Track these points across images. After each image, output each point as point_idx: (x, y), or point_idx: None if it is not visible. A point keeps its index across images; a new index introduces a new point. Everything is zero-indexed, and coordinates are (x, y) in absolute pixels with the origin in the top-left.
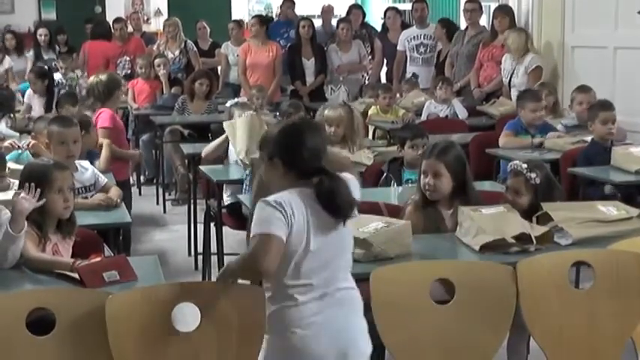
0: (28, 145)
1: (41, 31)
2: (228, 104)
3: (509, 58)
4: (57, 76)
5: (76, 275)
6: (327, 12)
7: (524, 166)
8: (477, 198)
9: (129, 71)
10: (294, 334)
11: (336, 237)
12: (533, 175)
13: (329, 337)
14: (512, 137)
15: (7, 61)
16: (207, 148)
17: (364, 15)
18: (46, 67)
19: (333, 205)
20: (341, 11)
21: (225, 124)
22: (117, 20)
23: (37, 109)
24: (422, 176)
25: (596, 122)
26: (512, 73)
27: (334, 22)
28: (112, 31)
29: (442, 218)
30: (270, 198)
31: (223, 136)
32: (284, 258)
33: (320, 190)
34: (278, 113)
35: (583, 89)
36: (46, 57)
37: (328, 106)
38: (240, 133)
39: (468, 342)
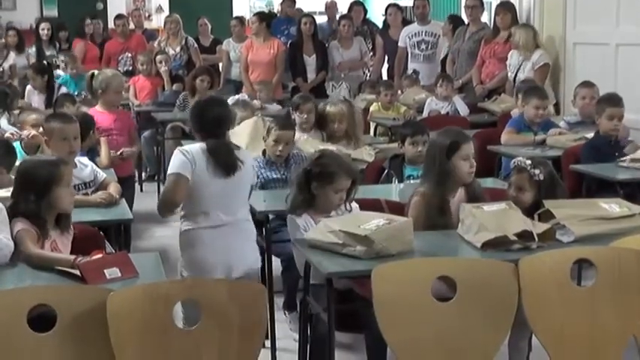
0: (28, 136)
1: (43, 25)
2: (229, 101)
3: (515, 54)
4: (58, 72)
5: (77, 272)
6: (331, 8)
7: (528, 162)
8: (480, 184)
9: (130, 68)
10: (194, 249)
11: (231, 181)
12: (536, 171)
13: (220, 254)
14: (515, 134)
15: (12, 57)
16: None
17: (366, 11)
18: (45, 62)
19: (216, 161)
20: (343, 8)
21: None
22: (118, 17)
23: (37, 106)
24: (462, 162)
25: (603, 117)
26: (519, 68)
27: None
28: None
29: (448, 207)
30: (182, 147)
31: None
32: (190, 191)
33: (208, 149)
34: (290, 107)
35: (586, 84)
36: (47, 53)
37: (329, 102)
38: (243, 136)
39: (469, 339)
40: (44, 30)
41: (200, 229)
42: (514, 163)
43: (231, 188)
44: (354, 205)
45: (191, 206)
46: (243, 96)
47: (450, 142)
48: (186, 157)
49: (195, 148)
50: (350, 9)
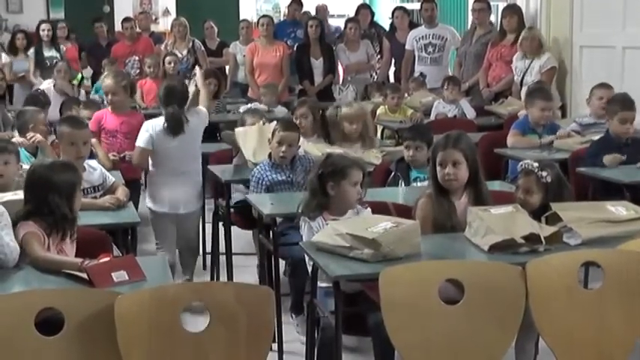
0: (30, 139)
1: (44, 26)
2: (241, 110)
3: (521, 57)
4: (46, 82)
5: (84, 275)
6: (321, 11)
7: (536, 164)
8: (487, 187)
9: (138, 71)
10: (154, 187)
11: (180, 139)
12: (544, 173)
13: (171, 194)
14: (520, 137)
15: (3, 57)
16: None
17: (373, 14)
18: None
19: (167, 126)
20: (349, 11)
21: (237, 131)
22: (126, 20)
23: (55, 109)
24: (439, 168)
25: (615, 119)
26: (525, 72)
27: (332, 21)
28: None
29: (454, 209)
30: (147, 122)
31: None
32: (153, 154)
33: (164, 116)
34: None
35: (604, 85)
36: (47, 54)
37: (342, 104)
38: (250, 140)
39: (477, 342)
40: (44, 31)
41: (159, 174)
42: (521, 165)
43: (182, 145)
44: (367, 209)
45: (156, 158)
46: (255, 105)
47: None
48: (148, 131)
49: (157, 120)
50: (357, 12)
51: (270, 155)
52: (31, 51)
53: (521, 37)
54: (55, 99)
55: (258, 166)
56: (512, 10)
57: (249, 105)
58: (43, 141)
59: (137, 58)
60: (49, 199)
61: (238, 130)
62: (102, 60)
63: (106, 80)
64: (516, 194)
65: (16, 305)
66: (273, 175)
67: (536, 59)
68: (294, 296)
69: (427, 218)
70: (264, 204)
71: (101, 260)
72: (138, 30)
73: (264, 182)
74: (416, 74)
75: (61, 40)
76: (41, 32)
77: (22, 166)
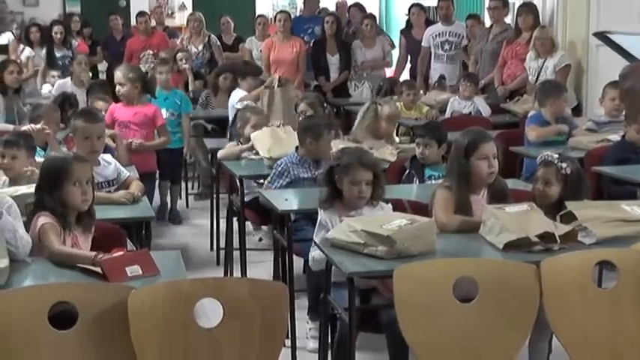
0: (32, 129)
1: (56, 28)
2: (238, 106)
3: (534, 56)
4: (45, 87)
5: (98, 269)
6: (341, 7)
7: (556, 156)
8: (506, 184)
9: (152, 65)
10: None
11: None
12: (564, 165)
13: None
14: (541, 129)
15: (27, 51)
16: (225, 152)
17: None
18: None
19: None
20: (370, 7)
21: (253, 136)
22: (141, 14)
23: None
24: (481, 162)
25: (633, 127)
26: (540, 71)
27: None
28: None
29: (470, 205)
30: None
31: (247, 145)
32: None
33: None
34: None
35: (616, 84)
36: (58, 54)
37: (382, 102)
38: (266, 139)
39: (491, 340)
40: (57, 34)
41: None
42: (541, 157)
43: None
44: (388, 205)
45: None
46: (250, 103)
47: (468, 142)
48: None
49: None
50: (348, 10)
51: (297, 148)
52: (43, 51)
53: (533, 37)
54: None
55: (286, 157)
56: (528, 8)
57: (245, 103)
58: (50, 135)
59: (151, 52)
60: (43, 191)
61: (255, 135)
62: (116, 53)
63: (117, 72)
64: (535, 186)
65: (30, 299)
66: (298, 170)
67: (550, 58)
68: (311, 299)
69: (449, 208)
70: (279, 199)
71: (115, 254)
72: (153, 24)
73: (288, 175)
74: (432, 72)
75: (74, 33)
76: (53, 34)
77: (34, 160)
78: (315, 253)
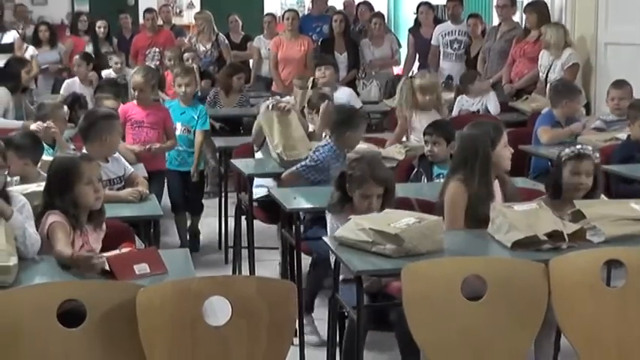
0: (47, 127)
1: (100, 23)
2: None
3: (546, 54)
4: (105, 72)
5: (106, 267)
6: (349, 6)
7: (589, 147)
8: (514, 184)
9: (158, 62)
10: None
11: None
12: (597, 154)
13: None
14: (554, 130)
15: (31, 50)
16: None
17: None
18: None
19: None
20: (378, 6)
21: (260, 116)
22: (148, 10)
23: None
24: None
25: (636, 124)
26: (550, 68)
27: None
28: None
29: (493, 195)
30: None
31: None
32: None
33: None
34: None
35: (618, 85)
36: (103, 50)
37: (416, 75)
38: (277, 127)
39: (498, 339)
40: (100, 28)
41: None
42: (572, 151)
43: None
44: None
45: None
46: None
47: (491, 134)
48: None
49: None
50: (356, 8)
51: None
52: (89, 49)
53: (542, 33)
54: (81, 90)
55: (324, 149)
56: (532, 6)
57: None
58: (57, 133)
59: (157, 49)
60: (53, 191)
61: (261, 116)
62: (126, 52)
63: (136, 77)
64: (571, 180)
65: (39, 297)
66: (335, 165)
67: (559, 54)
68: (307, 293)
69: (461, 203)
70: (288, 198)
71: (123, 250)
72: (160, 22)
73: (324, 174)
74: (441, 70)
75: (81, 32)
76: (97, 29)
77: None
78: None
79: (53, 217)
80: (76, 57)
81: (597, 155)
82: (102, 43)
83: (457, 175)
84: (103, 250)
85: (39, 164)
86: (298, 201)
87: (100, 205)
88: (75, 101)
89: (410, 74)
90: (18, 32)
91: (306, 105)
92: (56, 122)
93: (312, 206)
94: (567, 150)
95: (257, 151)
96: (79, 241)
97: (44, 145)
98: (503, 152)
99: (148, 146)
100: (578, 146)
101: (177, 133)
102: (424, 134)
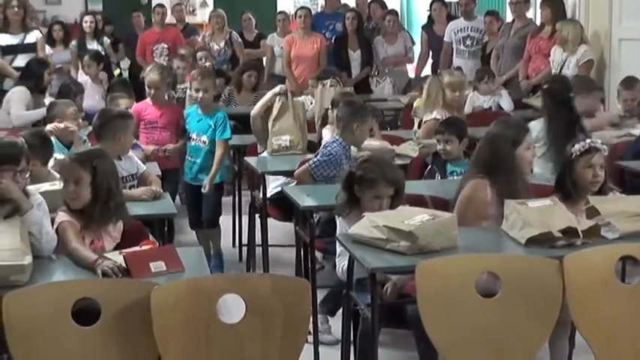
0: (56, 129)
1: (87, 18)
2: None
3: (559, 50)
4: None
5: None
6: (361, 3)
7: (599, 141)
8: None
9: (166, 58)
10: None
11: None
12: (605, 147)
13: None
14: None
15: (47, 49)
16: (255, 107)
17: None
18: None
19: None
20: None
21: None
22: (159, 5)
23: (92, 100)
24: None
25: None
26: (563, 64)
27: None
28: None
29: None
30: None
31: (269, 95)
32: None
33: None
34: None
35: (628, 85)
36: (89, 47)
37: (444, 72)
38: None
39: (513, 336)
40: (87, 23)
41: None
42: (583, 145)
43: None
44: None
45: None
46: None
47: (515, 133)
48: None
49: None
50: (369, 6)
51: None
52: (73, 43)
53: (558, 29)
54: (92, 89)
55: (335, 144)
56: (546, 3)
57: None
58: (75, 132)
59: (165, 45)
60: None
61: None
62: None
63: (151, 75)
64: (585, 174)
65: (54, 295)
66: (345, 160)
67: (575, 50)
68: (332, 293)
69: (484, 198)
70: (301, 196)
71: (143, 247)
72: (173, 22)
73: (336, 169)
74: (454, 67)
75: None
76: (84, 24)
77: (55, 157)
78: (344, 264)
79: (61, 217)
80: (86, 57)
81: (605, 148)
82: (90, 41)
83: (478, 173)
84: (119, 249)
85: (50, 164)
86: (311, 198)
87: (79, 206)
88: (68, 92)
89: (437, 72)
90: (41, 32)
91: (330, 106)
92: (67, 121)
93: (325, 204)
94: (577, 146)
95: (262, 152)
96: (88, 238)
97: (60, 144)
98: (525, 154)
99: (163, 148)
100: (588, 140)
101: (191, 143)
102: (436, 133)
